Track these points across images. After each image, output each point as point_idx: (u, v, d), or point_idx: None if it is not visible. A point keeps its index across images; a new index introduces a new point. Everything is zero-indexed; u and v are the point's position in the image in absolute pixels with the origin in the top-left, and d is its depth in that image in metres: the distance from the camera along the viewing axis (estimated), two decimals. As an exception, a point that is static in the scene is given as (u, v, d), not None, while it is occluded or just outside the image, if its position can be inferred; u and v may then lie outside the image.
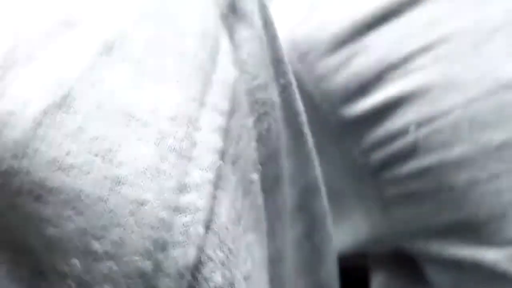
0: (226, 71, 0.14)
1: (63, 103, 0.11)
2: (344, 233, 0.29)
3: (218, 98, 0.13)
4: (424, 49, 0.24)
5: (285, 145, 0.19)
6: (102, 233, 0.11)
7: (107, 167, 0.11)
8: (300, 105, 0.20)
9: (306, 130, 0.20)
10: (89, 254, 0.11)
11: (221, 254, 0.13)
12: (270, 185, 0.18)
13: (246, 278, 0.15)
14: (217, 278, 0.13)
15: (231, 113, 0.14)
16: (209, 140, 0.13)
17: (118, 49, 0.12)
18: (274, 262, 0.19)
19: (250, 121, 0.16)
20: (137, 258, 0.11)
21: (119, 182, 0.11)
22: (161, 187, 0.11)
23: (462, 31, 0.24)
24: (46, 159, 0.10)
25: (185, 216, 0.12)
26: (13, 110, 0.10)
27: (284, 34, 0.29)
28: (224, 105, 0.14)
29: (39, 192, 0.10)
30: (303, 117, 0.20)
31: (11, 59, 0.11)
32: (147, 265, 0.11)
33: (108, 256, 0.11)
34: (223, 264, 0.13)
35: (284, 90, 0.19)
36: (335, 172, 0.29)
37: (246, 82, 0.16)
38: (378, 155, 0.26)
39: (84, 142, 0.11)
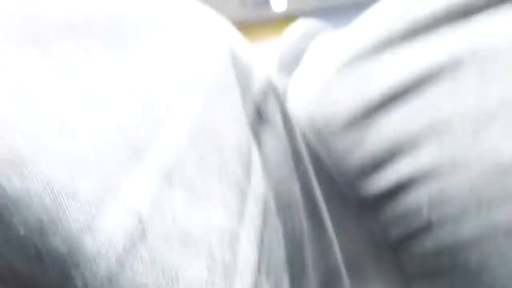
0: (258, 183, 0.16)
1: (140, 235, 0.12)
2: None
3: (254, 212, 0.15)
4: (429, 131, 0.26)
5: (307, 235, 0.20)
6: None
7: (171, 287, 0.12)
8: (318, 196, 0.22)
9: (326, 220, 0.22)
10: None
11: None
12: (298, 276, 0.19)
13: None
14: None
15: (264, 225, 0.16)
16: (248, 254, 0.14)
17: (176, 178, 0.14)
18: None
19: (280, 230, 0.17)
20: None
21: None
22: None
23: (463, 115, 0.26)
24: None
25: None
26: (101, 246, 0.12)
27: (301, 109, 0.31)
28: (259, 218, 0.15)
29: None
30: (323, 208, 0.22)
31: (99, 195, 0.12)
32: None
33: None
34: None
35: (303, 176, 0.21)
36: (357, 246, 0.30)
37: (272, 177, 0.18)
38: (396, 232, 0.27)
39: (156, 266, 0.12)
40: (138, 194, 0.13)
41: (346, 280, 0.23)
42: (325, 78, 0.31)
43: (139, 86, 0.14)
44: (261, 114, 0.19)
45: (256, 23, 6.69)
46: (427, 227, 0.26)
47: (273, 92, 0.20)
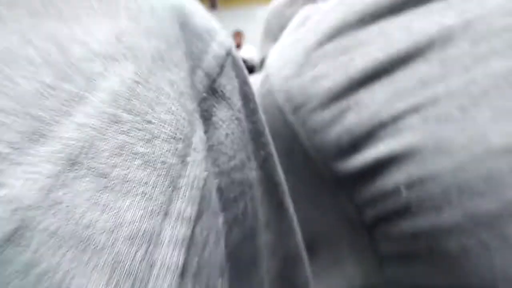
0: (195, 172, 0.14)
1: (12, 237, 0.10)
2: (338, 280, 0.29)
3: (185, 204, 0.13)
4: (413, 109, 0.24)
5: (263, 219, 0.18)
6: None
7: None
8: (280, 176, 0.20)
9: (287, 200, 0.20)
10: None
11: None
12: (246, 267, 0.17)
13: None
14: None
15: (198, 216, 0.13)
16: (169, 256, 0.12)
17: (81, 164, 0.11)
18: None
19: (219, 220, 0.15)
20: None
21: None
22: None
23: (450, 94, 0.24)
24: None
25: None
26: None
27: (279, 84, 0.29)
28: (191, 210, 0.13)
29: None
30: (284, 188, 0.20)
31: None
32: None
33: None
34: None
35: (265, 161, 0.19)
36: (330, 222, 0.29)
37: (223, 163, 0.16)
38: (372, 212, 0.26)
39: (33, 279, 0.10)
40: (27, 182, 0.10)
41: (306, 265, 0.22)
42: (306, 51, 0.28)
43: (56, 56, 0.12)
44: (216, 89, 0.16)
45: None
46: (405, 210, 0.24)
47: (233, 65, 0.18)
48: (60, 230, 0.10)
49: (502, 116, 0.23)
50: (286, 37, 0.32)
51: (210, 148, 0.15)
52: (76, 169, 0.11)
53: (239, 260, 0.16)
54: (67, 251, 0.10)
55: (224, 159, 0.16)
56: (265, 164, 0.19)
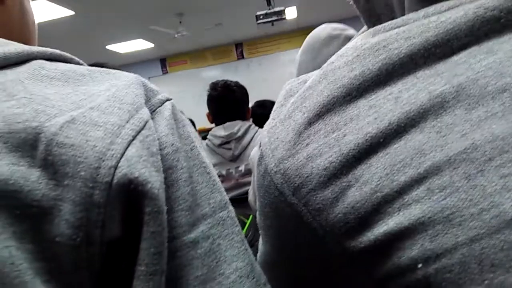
0: None
1: None
2: None
3: None
4: (415, 181, 0.23)
5: None
6: None
7: None
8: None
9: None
10: None
11: None
12: None
13: None
14: None
15: None
16: None
17: None
18: None
19: None
20: None
21: None
22: None
23: (451, 162, 0.23)
24: None
25: None
26: None
27: (274, 165, 0.29)
28: None
29: None
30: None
31: None
32: None
33: None
34: None
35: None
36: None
37: None
38: (393, 287, 0.25)
39: None
40: None
41: None
42: (296, 131, 0.28)
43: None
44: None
45: (272, 37, 6.77)
46: (425, 284, 0.23)
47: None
48: None
49: None
50: (275, 113, 0.32)
51: None
52: None
53: None
54: None
55: None
56: None
